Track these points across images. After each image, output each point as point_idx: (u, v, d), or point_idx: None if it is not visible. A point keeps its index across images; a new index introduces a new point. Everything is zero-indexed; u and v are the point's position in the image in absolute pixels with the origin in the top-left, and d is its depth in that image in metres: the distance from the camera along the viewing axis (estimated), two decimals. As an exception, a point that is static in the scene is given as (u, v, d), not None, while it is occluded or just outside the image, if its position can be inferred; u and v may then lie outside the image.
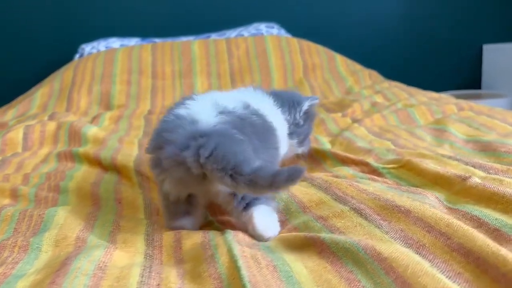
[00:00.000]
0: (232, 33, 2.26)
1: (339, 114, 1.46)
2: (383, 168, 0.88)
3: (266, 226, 0.66)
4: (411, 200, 0.66)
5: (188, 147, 0.63)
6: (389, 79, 2.09)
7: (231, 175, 0.59)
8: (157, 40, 2.22)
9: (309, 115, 0.96)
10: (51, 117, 1.44)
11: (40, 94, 1.78)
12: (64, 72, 1.89)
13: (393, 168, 0.88)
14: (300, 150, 0.98)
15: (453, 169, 0.83)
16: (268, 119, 0.80)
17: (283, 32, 2.31)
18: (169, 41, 2.13)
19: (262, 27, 2.31)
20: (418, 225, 0.59)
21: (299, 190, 0.79)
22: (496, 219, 0.61)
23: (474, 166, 0.84)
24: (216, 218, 0.79)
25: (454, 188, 0.75)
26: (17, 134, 1.21)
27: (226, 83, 1.86)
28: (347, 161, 0.94)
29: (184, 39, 2.21)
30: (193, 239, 0.65)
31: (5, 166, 1.03)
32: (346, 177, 0.87)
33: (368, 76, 1.97)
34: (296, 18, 2.49)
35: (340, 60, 2.06)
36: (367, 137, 1.16)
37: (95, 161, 1.04)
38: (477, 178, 0.75)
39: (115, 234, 0.68)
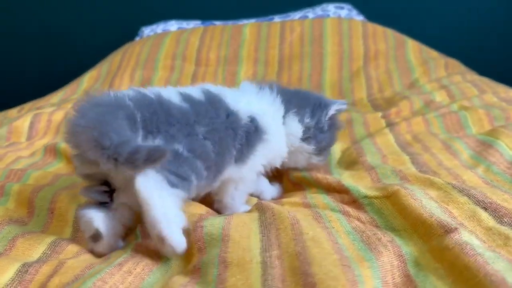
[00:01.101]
0: (296, 15, 2.07)
1: (379, 114, 1.22)
2: (365, 197, 0.68)
3: (149, 188, 0.56)
4: (332, 266, 0.47)
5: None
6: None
7: (95, 146, 0.55)
8: (217, 23, 2.12)
9: (333, 123, 0.85)
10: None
11: (88, 77, 1.78)
12: (115, 55, 1.87)
13: (377, 198, 0.67)
14: (315, 160, 0.85)
15: (454, 210, 0.61)
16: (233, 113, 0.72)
17: (354, 14, 2.06)
18: (228, 24, 2.02)
19: (331, 8, 2.08)
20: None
21: (240, 218, 0.63)
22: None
23: (486, 208, 0.60)
24: (143, 241, 0.65)
25: (432, 242, 0.54)
26: (24, 122, 1.19)
27: (272, 71, 1.69)
28: (329, 189, 0.75)
29: (245, 22, 2.07)
30: (67, 275, 0.55)
31: (-14, 158, 1.00)
32: (317, 206, 0.70)
33: (443, 67, 1.65)
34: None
35: (412, 46, 1.77)
36: (387, 149, 0.93)
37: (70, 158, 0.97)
38: (466, 233, 0.52)
39: (-3, 258, 0.58)
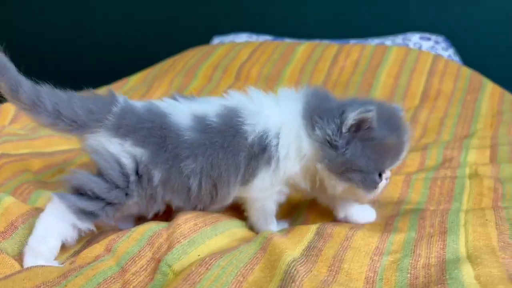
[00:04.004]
0: (374, 41, 1.84)
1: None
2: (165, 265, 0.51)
3: None
4: None
5: None
6: None
7: None
8: (288, 40, 1.99)
9: (364, 136, 0.64)
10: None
11: (135, 77, 1.80)
12: (168, 60, 1.87)
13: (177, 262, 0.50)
14: (338, 190, 0.66)
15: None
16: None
17: (441, 47, 1.75)
18: (292, 42, 1.87)
19: (414, 38, 1.80)
20: None
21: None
22: None
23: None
24: None
25: None
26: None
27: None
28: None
29: (317, 41, 1.90)
30: None
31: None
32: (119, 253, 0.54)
33: (524, 121, 1.29)
34: (479, 33, 1.86)
35: (491, 93, 1.42)
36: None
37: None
38: None
39: None
